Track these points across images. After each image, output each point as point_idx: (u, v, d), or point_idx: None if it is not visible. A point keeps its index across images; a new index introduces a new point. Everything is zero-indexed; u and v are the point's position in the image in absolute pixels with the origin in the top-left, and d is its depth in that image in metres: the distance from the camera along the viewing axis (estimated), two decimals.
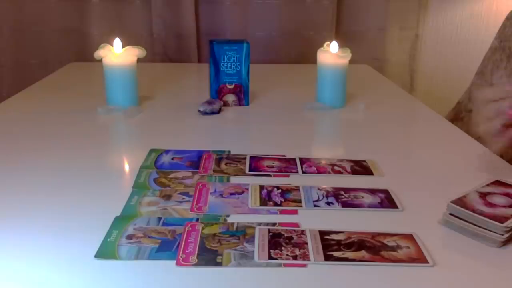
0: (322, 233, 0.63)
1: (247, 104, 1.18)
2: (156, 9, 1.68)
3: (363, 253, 0.59)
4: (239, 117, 1.13)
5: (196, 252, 0.59)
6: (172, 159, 0.86)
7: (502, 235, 0.60)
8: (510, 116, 0.68)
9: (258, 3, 1.71)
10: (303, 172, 0.82)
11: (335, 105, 1.16)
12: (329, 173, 0.82)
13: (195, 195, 0.73)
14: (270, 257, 0.58)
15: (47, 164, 0.84)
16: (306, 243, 0.61)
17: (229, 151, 0.90)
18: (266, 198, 0.72)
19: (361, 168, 0.84)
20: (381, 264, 0.57)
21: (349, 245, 0.60)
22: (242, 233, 0.63)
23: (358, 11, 1.76)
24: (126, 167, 0.87)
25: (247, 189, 0.75)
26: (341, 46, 1.15)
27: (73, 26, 1.71)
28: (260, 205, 0.70)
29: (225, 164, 0.84)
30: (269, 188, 0.75)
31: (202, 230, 0.63)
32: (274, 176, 0.81)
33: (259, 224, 0.65)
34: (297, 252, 0.59)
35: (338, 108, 1.16)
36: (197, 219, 0.66)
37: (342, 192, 0.74)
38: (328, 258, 0.58)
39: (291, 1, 1.71)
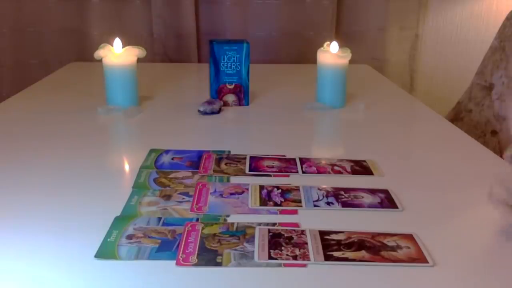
0: (322, 233, 0.63)
1: (247, 104, 1.18)
2: (156, 9, 1.68)
3: (363, 253, 0.59)
4: (239, 117, 1.13)
5: (196, 252, 0.59)
6: (172, 159, 0.86)
7: None
8: None
9: (258, 3, 1.71)
10: (303, 172, 0.82)
11: (335, 105, 1.16)
12: (329, 173, 0.82)
13: (195, 195, 0.73)
14: (270, 257, 0.58)
15: (47, 164, 0.84)
16: (306, 243, 0.61)
17: (229, 151, 0.90)
18: (266, 198, 0.72)
19: (361, 168, 0.84)
20: (381, 264, 0.57)
21: (349, 245, 0.60)
22: (242, 233, 0.63)
23: (358, 11, 1.76)
24: (126, 167, 0.87)
25: (247, 189, 0.75)
26: (341, 46, 1.15)
27: (73, 26, 1.71)
28: (260, 205, 0.70)
29: (225, 164, 0.84)
30: (269, 188, 0.75)
31: (202, 230, 0.63)
32: (274, 176, 0.81)
33: (259, 224, 0.65)
34: (297, 252, 0.59)
35: (338, 108, 1.16)
36: (197, 219, 0.66)
37: (342, 192, 0.74)
38: (328, 258, 0.58)
39: (291, 1, 1.71)
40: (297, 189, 0.75)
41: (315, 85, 1.18)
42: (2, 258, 0.57)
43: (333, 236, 0.62)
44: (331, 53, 1.14)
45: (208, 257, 0.58)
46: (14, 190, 0.75)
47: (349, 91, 1.19)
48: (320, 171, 0.83)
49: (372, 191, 0.75)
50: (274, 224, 0.65)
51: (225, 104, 1.17)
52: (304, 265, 0.57)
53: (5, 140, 0.96)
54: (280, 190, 0.75)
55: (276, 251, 0.59)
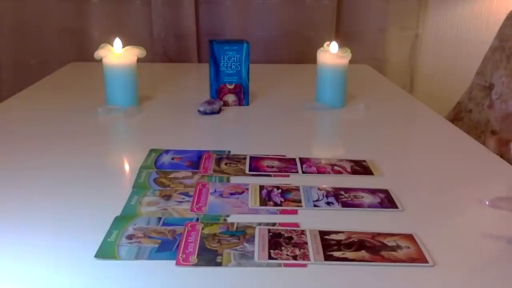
0: (322, 233, 0.63)
1: (247, 104, 1.18)
2: (156, 9, 1.68)
3: (363, 253, 0.59)
4: (239, 117, 1.13)
5: (196, 252, 0.59)
6: (172, 159, 0.86)
7: None
8: None
9: (258, 3, 1.71)
10: (303, 172, 0.82)
11: (335, 105, 1.16)
12: (329, 173, 0.82)
13: (195, 195, 0.73)
14: (270, 257, 0.58)
15: (47, 164, 0.84)
16: (306, 243, 0.61)
17: (229, 151, 0.90)
18: (266, 198, 0.72)
19: (361, 168, 0.84)
20: (381, 264, 0.57)
21: (349, 245, 0.60)
22: (242, 233, 0.63)
23: (358, 11, 1.76)
24: (126, 167, 0.87)
25: (247, 189, 0.75)
26: (341, 46, 1.15)
27: (73, 26, 1.71)
28: (260, 205, 0.70)
29: (225, 164, 0.84)
30: (269, 188, 0.75)
31: (202, 230, 0.63)
32: (274, 176, 0.80)
33: (259, 224, 0.65)
34: (297, 252, 0.59)
35: (338, 108, 1.16)
36: (197, 219, 0.66)
37: (342, 192, 0.74)
38: (328, 258, 0.58)
39: (291, 1, 1.71)
40: (297, 189, 0.75)
41: (315, 85, 1.18)
42: (2, 258, 0.57)
43: (333, 236, 0.62)
44: (331, 53, 1.14)
45: (208, 257, 0.58)
46: (14, 190, 0.75)
47: (349, 91, 1.19)
48: (320, 171, 0.83)
49: (372, 191, 0.75)
50: (274, 224, 0.65)
51: (225, 104, 1.17)
52: (304, 265, 0.57)
53: (5, 140, 0.96)
54: (280, 190, 0.75)
55: (276, 251, 0.59)
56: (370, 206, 0.71)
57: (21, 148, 0.91)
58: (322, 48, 1.16)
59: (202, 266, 0.56)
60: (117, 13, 1.71)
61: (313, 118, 1.13)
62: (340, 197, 0.73)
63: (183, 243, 0.60)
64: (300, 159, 0.87)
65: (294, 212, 0.69)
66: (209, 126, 1.07)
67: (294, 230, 0.64)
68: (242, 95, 1.18)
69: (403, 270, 0.57)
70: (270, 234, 0.63)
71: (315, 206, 0.70)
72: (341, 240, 0.61)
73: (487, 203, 0.64)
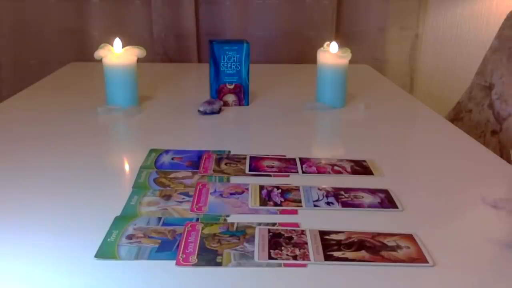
0: (322, 233, 0.63)
1: (247, 104, 1.18)
2: (156, 9, 1.68)
3: (363, 253, 0.59)
4: (239, 117, 1.13)
5: (196, 252, 0.59)
6: (172, 159, 0.86)
7: None
8: None
9: (258, 3, 1.71)
10: (303, 172, 0.82)
11: (335, 105, 1.16)
12: (329, 173, 0.82)
13: (195, 195, 0.73)
14: (270, 257, 0.58)
15: (47, 164, 0.84)
16: (306, 243, 0.61)
17: (229, 151, 0.90)
18: (266, 198, 0.72)
19: (361, 168, 0.84)
20: (381, 264, 0.57)
21: (349, 245, 0.60)
22: (242, 233, 0.63)
23: (358, 11, 1.76)
24: (126, 167, 0.87)
25: (247, 189, 0.75)
26: (341, 46, 1.15)
27: (73, 26, 1.71)
28: (260, 205, 0.70)
29: (225, 164, 0.84)
30: (269, 188, 0.75)
31: (202, 230, 0.63)
32: (274, 176, 0.80)
33: (259, 224, 0.65)
34: (297, 252, 0.59)
35: (338, 108, 1.16)
36: (197, 219, 0.66)
37: (342, 192, 0.74)
38: (328, 258, 0.58)
39: (291, 1, 1.71)
40: (297, 189, 0.75)
41: (315, 85, 1.18)
42: (2, 258, 0.57)
43: (333, 236, 0.62)
44: (331, 53, 1.14)
45: (208, 257, 0.58)
46: (14, 190, 0.75)
47: (349, 91, 1.19)
48: (320, 171, 0.83)
49: (372, 191, 0.75)
50: (274, 224, 0.65)
51: (225, 104, 1.17)
52: (304, 265, 0.57)
53: (5, 140, 0.96)
54: (280, 190, 0.75)
55: (276, 251, 0.59)
56: (370, 206, 0.71)
57: (21, 148, 0.91)
58: (322, 48, 1.16)
59: (202, 266, 0.56)
60: (117, 13, 1.71)
61: (313, 118, 1.13)
62: (340, 197, 0.73)
63: (183, 243, 0.60)
64: (300, 159, 0.87)
65: (294, 212, 0.69)
66: (209, 126, 1.07)
67: (294, 230, 0.64)
68: (242, 95, 1.18)
69: (403, 270, 0.57)
70: (270, 234, 0.63)
71: (315, 206, 0.70)
72: (341, 240, 0.61)
73: (490, 200, 0.64)
